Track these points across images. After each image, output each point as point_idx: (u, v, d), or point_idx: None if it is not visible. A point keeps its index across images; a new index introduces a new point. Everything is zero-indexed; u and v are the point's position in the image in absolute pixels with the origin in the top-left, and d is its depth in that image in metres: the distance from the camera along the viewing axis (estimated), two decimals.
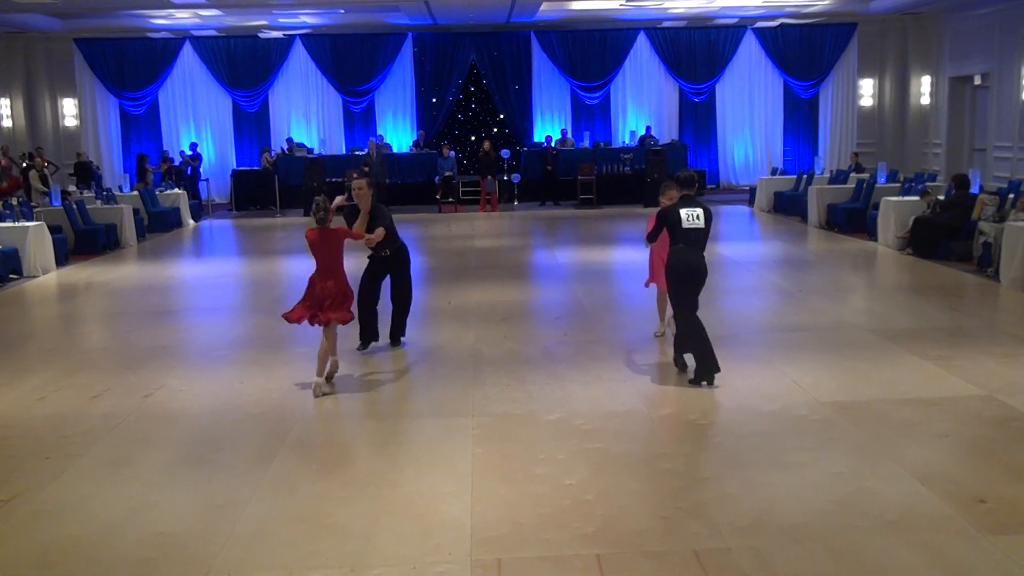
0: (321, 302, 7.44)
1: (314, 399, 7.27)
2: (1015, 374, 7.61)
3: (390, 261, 8.67)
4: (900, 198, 15.07)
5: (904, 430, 6.28)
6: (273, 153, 23.39)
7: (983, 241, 12.29)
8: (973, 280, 11.82)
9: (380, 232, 8.09)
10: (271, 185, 22.26)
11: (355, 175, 20.19)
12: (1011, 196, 12.99)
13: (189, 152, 23.28)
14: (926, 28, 23.29)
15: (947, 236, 13.24)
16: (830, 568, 4.43)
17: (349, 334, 8.61)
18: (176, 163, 22.78)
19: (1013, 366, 7.82)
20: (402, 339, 9.00)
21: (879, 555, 4.54)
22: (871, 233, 15.42)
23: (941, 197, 14.16)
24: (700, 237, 7.38)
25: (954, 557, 4.51)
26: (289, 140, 23.91)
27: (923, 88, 23.62)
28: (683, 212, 7.35)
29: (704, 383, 7.36)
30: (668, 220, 7.44)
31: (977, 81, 21.46)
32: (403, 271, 8.82)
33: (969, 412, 6.60)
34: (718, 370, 7.35)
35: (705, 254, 7.47)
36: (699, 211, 7.37)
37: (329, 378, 7.64)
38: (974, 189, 13.72)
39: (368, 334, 8.80)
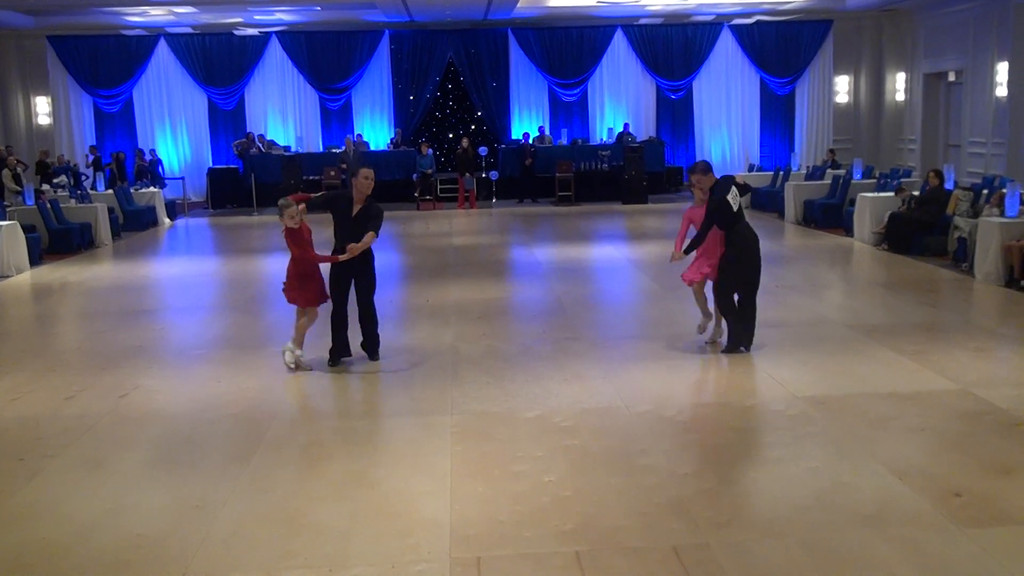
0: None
1: (289, 397, 7.26)
2: (989, 368, 7.69)
3: (355, 263, 7.72)
4: (876, 194, 15.17)
5: (880, 425, 6.32)
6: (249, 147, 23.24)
7: (958, 236, 12.40)
8: (948, 275, 11.92)
9: (369, 237, 7.53)
10: (247, 183, 22.13)
11: (343, 166, 20.25)
12: (985, 191, 13.11)
13: (149, 157, 23.01)
14: (901, 25, 23.44)
15: (922, 231, 13.35)
16: (807, 562, 4.46)
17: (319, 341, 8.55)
18: (149, 160, 22.60)
19: (987, 360, 7.90)
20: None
21: (856, 549, 4.56)
22: (847, 229, 15.52)
23: (916, 193, 14.27)
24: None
25: (930, 551, 4.54)
26: (261, 136, 23.78)
27: (898, 84, 23.76)
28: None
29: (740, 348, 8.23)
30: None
31: (951, 77, 21.61)
32: (368, 274, 7.94)
33: (944, 406, 6.66)
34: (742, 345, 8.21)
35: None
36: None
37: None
38: (948, 185, 13.83)
39: (340, 350, 8.10)
